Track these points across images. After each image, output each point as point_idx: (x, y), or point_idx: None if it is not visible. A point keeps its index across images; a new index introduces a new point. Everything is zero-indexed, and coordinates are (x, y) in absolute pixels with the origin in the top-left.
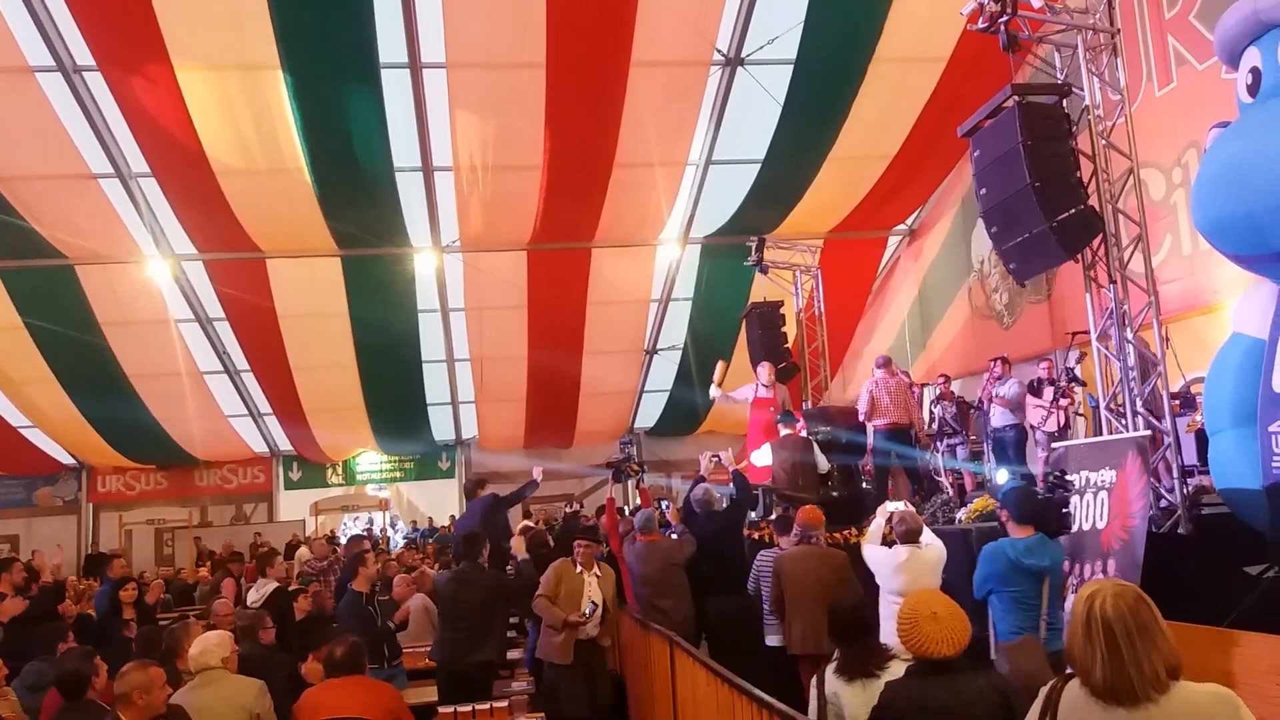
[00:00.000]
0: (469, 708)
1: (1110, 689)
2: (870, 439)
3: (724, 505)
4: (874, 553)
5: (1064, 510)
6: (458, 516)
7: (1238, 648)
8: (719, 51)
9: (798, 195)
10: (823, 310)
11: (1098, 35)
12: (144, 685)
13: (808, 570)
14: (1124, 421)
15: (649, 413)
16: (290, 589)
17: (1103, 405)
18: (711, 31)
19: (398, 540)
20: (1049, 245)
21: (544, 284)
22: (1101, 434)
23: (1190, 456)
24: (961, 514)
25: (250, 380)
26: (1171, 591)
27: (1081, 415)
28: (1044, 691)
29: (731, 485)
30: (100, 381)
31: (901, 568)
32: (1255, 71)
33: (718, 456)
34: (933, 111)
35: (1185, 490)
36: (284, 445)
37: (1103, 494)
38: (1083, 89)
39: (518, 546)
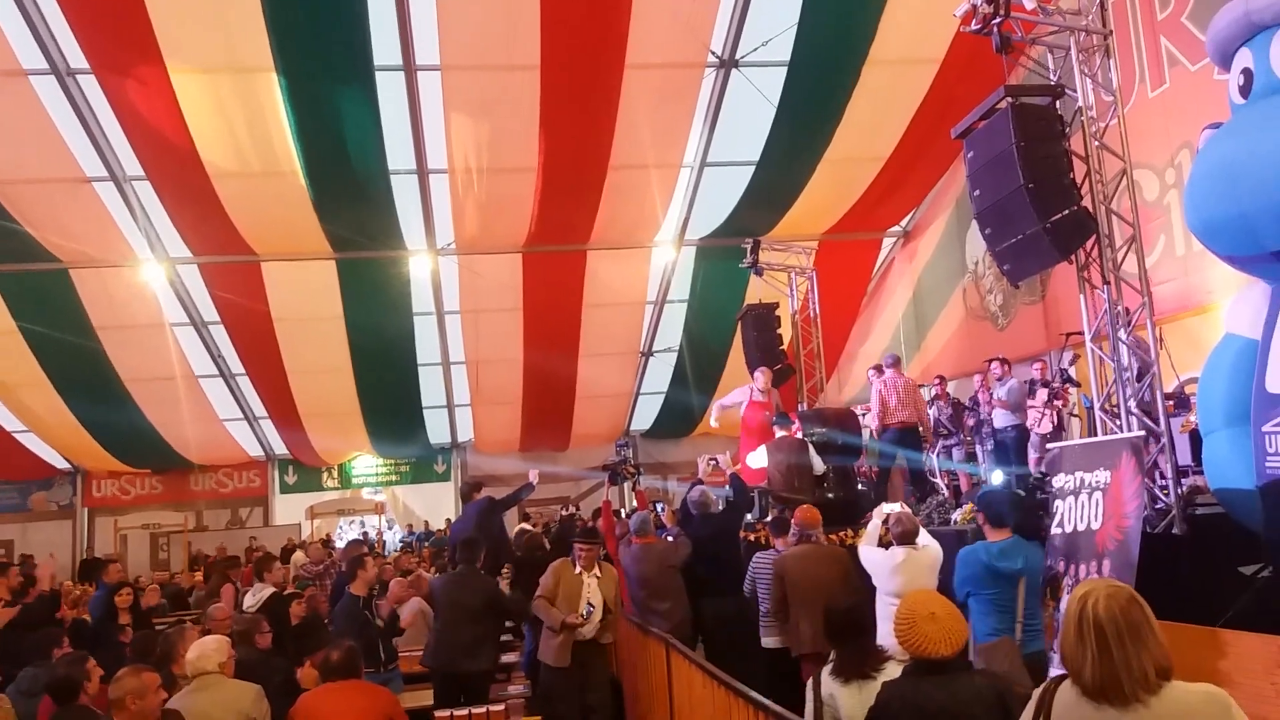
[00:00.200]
0: (465, 711)
1: (1100, 689)
2: (868, 440)
3: (720, 507)
4: (870, 554)
5: (1040, 513)
6: (453, 520)
7: (1232, 647)
8: (713, 53)
9: (792, 197)
10: (818, 312)
11: (1090, 36)
12: (137, 690)
13: (811, 569)
14: (1118, 422)
15: (645, 415)
16: (286, 593)
17: (1097, 406)
18: (705, 33)
19: (394, 544)
20: (1043, 246)
21: (539, 286)
22: (1096, 435)
23: (1184, 457)
24: (957, 515)
25: (245, 384)
26: (1166, 591)
27: (1076, 416)
28: (1038, 692)
29: (728, 488)
30: (95, 386)
31: (898, 569)
32: (1247, 73)
33: (715, 460)
34: (926, 113)
35: (1180, 490)
36: (279, 449)
37: (1097, 495)
38: (1076, 90)
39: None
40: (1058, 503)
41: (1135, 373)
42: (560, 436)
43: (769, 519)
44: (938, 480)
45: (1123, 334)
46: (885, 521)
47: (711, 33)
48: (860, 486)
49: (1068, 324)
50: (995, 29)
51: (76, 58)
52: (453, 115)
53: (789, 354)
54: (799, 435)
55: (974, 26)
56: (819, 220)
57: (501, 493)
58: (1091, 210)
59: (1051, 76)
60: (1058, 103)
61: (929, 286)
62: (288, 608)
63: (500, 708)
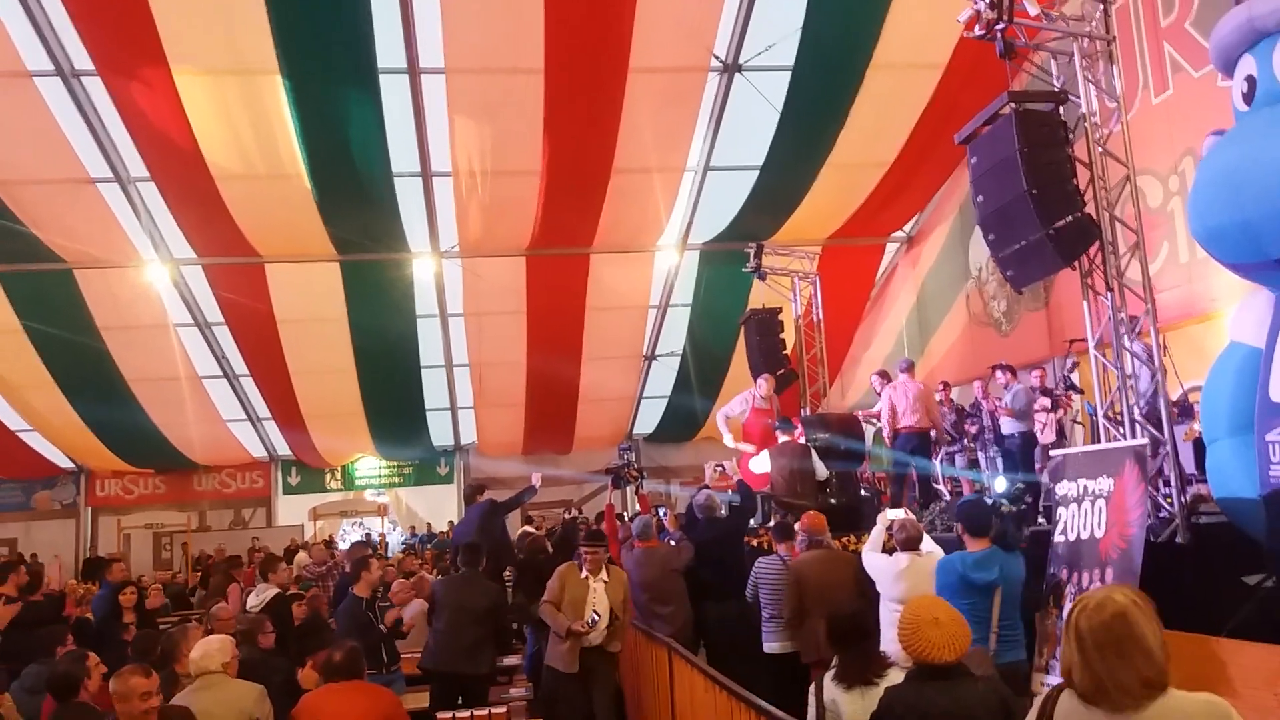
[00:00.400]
0: (467, 713)
1: (1088, 695)
2: (873, 445)
3: (724, 512)
4: (874, 560)
5: (1020, 523)
6: (456, 522)
7: (1234, 657)
8: (717, 58)
9: (796, 201)
10: (821, 317)
11: (1094, 43)
12: (136, 689)
13: (826, 574)
14: (1122, 430)
15: (648, 419)
16: (289, 594)
17: (1100, 413)
18: (709, 38)
19: (397, 546)
20: (1046, 253)
21: (543, 289)
22: (1099, 442)
23: (1188, 465)
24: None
25: (249, 385)
26: (1169, 600)
27: (1079, 423)
28: (1041, 698)
29: (734, 492)
30: (99, 386)
31: (902, 575)
32: (1250, 79)
33: (722, 466)
34: (930, 118)
35: (1183, 499)
36: (283, 450)
37: (1100, 502)
38: (1079, 96)
39: None
40: (1060, 510)
41: (1139, 380)
42: (563, 440)
43: (771, 524)
44: (940, 486)
45: (1126, 341)
46: (889, 528)
47: (715, 37)
48: (863, 492)
49: (1071, 330)
50: (999, 35)
51: (81, 59)
52: (457, 118)
53: (792, 359)
54: (802, 440)
55: (978, 32)
56: (822, 225)
57: (504, 495)
58: (1095, 217)
59: (1055, 82)
60: (1061, 109)
61: (932, 292)
62: (291, 608)
63: (502, 710)
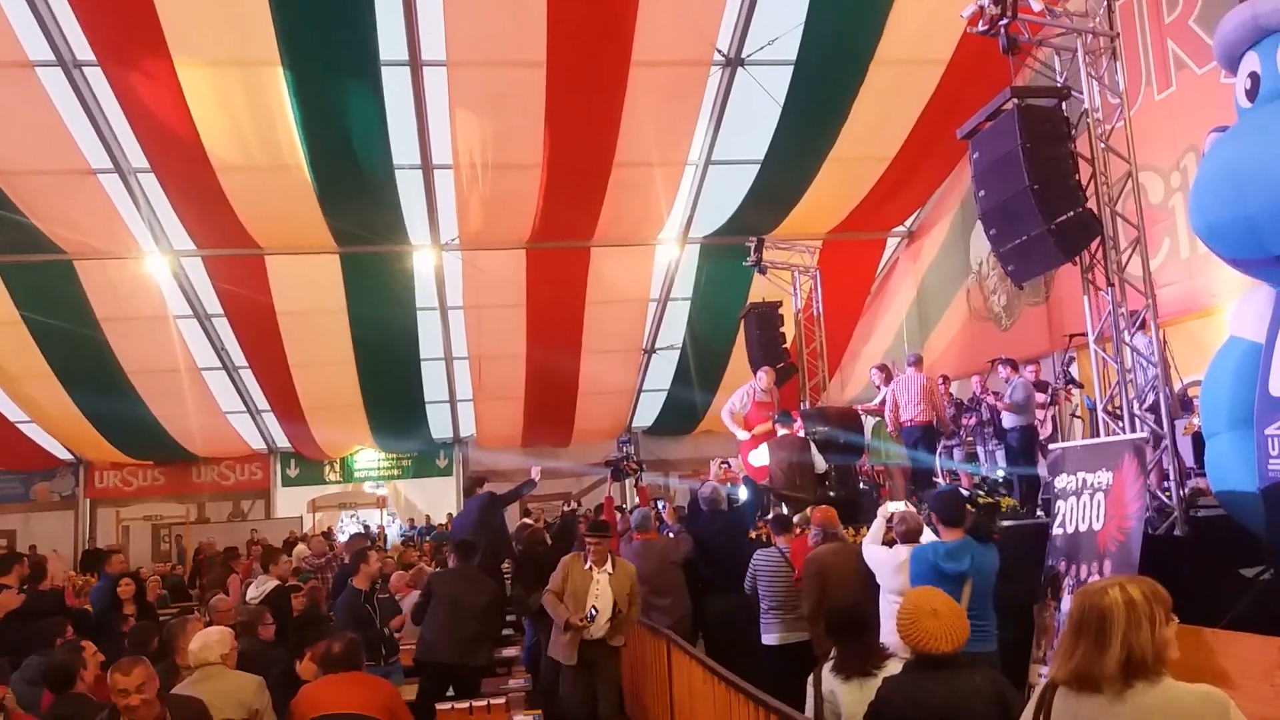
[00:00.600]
0: (466, 705)
1: (1070, 681)
2: (870, 438)
3: (725, 506)
4: (875, 552)
5: (994, 514)
6: (455, 514)
7: (1232, 649)
8: (719, 52)
9: (797, 196)
10: (821, 311)
11: (1097, 39)
12: (134, 681)
13: (844, 565)
14: (1121, 424)
15: (647, 412)
16: (288, 585)
17: (1100, 407)
18: (712, 32)
19: (395, 538)
20: (1047, 248)
21: (543, 283)
22: (1099, 436)
23: (1187, 459)
24: None
25: (248, 377)
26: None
27: (1079, 417)
28: (1039, 689)
29: (734, 486)
30: (98, 377)
31: (902, 567)
32: (1254, 76)
33: (727, 463)
34: (932, 113)
35: (1182, 492)
36: (282, 442)
37: (1099, 495)
38: (1082, 92)
39: None
40: (1059, 503)
41: (1138, 375)
42: (562, 432)
43: (769, 516)
44: (939, 480)
45: (1126, 336)
46: (889, 520)
47: (718, 31)
48: (862, 485)
49: (1071, 325)
50: (1002, 30)
51: (83, 50)
52: (458, 111)
53: (791, 353)
54: (801, 433)
55: (981, 28)
56: (823, 219)
57: (503, 488)
58: (1096, 212)
59: (1058, 78)
60: (1064, 105)
61: (933, 286)
62: (290, 600)
63: (501, 701)
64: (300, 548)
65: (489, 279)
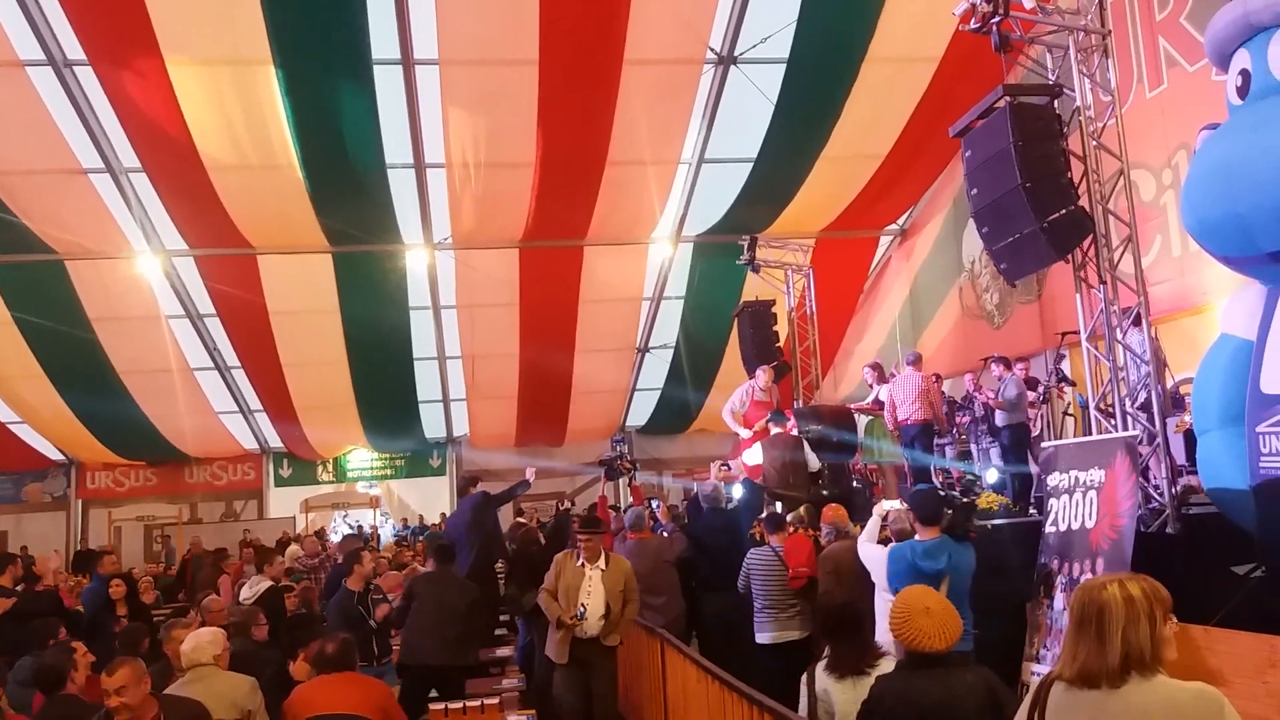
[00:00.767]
0: (459, 705)
1: (1071, 676)
2: (864, 437)
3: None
4: (870, 551)
5: (971, 514)
6: (448, 514)
7: (1225, 646)
8: (712, 50)
9: (790, 194)
10: (814, 309)
11: (1089, 36)
12: (125, 682)
13: (859, 563)
14: (1113, 421)
15: (640, 411)
16: (281, 585)
17: (1092, 405)
18: (704, 30)
19: (388, 537)
20: (1039, 245)
21: (536, 281)
22: (1091, 434)
23: (1179, 457)
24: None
25: (241, 377)
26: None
27: (1071, 415)
28: (1035, 687)
29: (739, 486)
30: (90, 377)
31: None
32: (1245, 74)
33: (728, 465)
34: (924, 111)
35: (1174, 490)
36: (274, 442)
37: (1092, 493)
38: (1074, 90)
39: None
40: (1052, 501)
41: (1130, 372)
42: (556, 432)
43: (763, 515)
44: (934, 478)
45: (1118, 334)
46: (884, 518)
47: (710, 29)
48: (855, 484)
49: (1064, 323)
50: (994, 28)
51: (74, 49)
52: (451, 110)
53: (785, 351)
54: (794, 432)
55: (973, 25)
56: (816, 218)
57: (497, 488)
58: (1088, 210)
59: (1050, 76)
60: (1056, 102)
61: (925, 285)
62: (283, 601)
63: (495, 701)
64: (293, 548)
65: (482, 278)
